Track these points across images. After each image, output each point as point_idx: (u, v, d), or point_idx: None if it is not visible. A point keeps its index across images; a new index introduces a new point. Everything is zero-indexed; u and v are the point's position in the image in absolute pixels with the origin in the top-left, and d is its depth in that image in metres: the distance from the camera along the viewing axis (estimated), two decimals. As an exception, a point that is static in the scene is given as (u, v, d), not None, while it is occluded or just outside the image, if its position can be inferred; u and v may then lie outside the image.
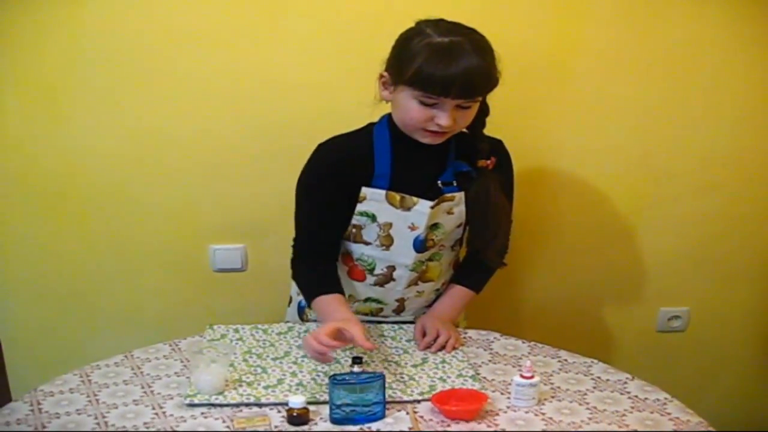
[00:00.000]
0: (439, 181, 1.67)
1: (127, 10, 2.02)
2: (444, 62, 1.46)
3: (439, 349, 1.68)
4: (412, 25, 1.56)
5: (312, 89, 2.10)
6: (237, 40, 2.06)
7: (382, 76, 1.60)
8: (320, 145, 1.67)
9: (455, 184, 1.68)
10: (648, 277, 2.38)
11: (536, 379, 1.47)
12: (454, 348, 1.69)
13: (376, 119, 1.68)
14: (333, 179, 1.64)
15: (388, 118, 1.66)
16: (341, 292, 1.66)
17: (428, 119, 1.53)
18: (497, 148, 1.72)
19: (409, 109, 1.54)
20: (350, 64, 2.06)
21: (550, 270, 2.37)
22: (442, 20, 1.54)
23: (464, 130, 1.62)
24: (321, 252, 1.72)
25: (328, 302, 1.63)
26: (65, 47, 2.04)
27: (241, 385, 1.52)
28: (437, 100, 1.50)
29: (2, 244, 2.22)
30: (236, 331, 1.76)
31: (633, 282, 2.40)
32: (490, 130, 1.68)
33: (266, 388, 1.51)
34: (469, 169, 1.68)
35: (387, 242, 1.69)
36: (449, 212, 1.69)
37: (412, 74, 1.49)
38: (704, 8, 2.11)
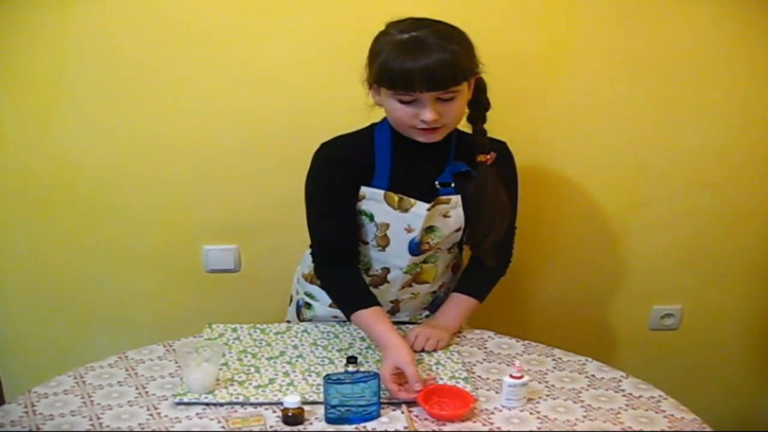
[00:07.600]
0: (436, 182, 1.66)
1: (118, 13, 2.01)
2: (401, 57, 1.47)
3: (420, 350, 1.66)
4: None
5: (304, 89, 2.10)
6: (229, 41, 2.05)
7: (366, 81, 1.60)
8: (322, 146, 1.66)
9: (453, 186, 1.67)
10: (640, 275, 2.38)
11: (526, 378, 1.47)
12: (436, 347, 1.67)
13: (370, 121, 1.68)
14: (339, 178, 1.64)
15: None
16: (377, 302, 1.65)
17: (413, 116, 1.53)
18: (500, 150, 1.69)
19: (394, 110, 1.55)
20: (344, 64, 2.04)
21: (542, 269, 2.37)
22: (408, 18, 1.54)
23: (466, 130, 1.61)
24: (343, 256, 1.70)
25: (368, 318, 1.62)
26: (56, 52, 2.03)
27: (232, 385, 1.52)
28: (413, 97, 1.50)
29: (-4, 246, 2.21)
30: (234, 330, 1.76)
31: (626, 280, 2.40)
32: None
33: (257, 387, 1.51)
34: (468, 168, 1.66)
35: (383, 243, 1.69)
36: (445, 215, 1.68)
37: (376, 74, 1.52)
38: (695, 6, 2.10)
